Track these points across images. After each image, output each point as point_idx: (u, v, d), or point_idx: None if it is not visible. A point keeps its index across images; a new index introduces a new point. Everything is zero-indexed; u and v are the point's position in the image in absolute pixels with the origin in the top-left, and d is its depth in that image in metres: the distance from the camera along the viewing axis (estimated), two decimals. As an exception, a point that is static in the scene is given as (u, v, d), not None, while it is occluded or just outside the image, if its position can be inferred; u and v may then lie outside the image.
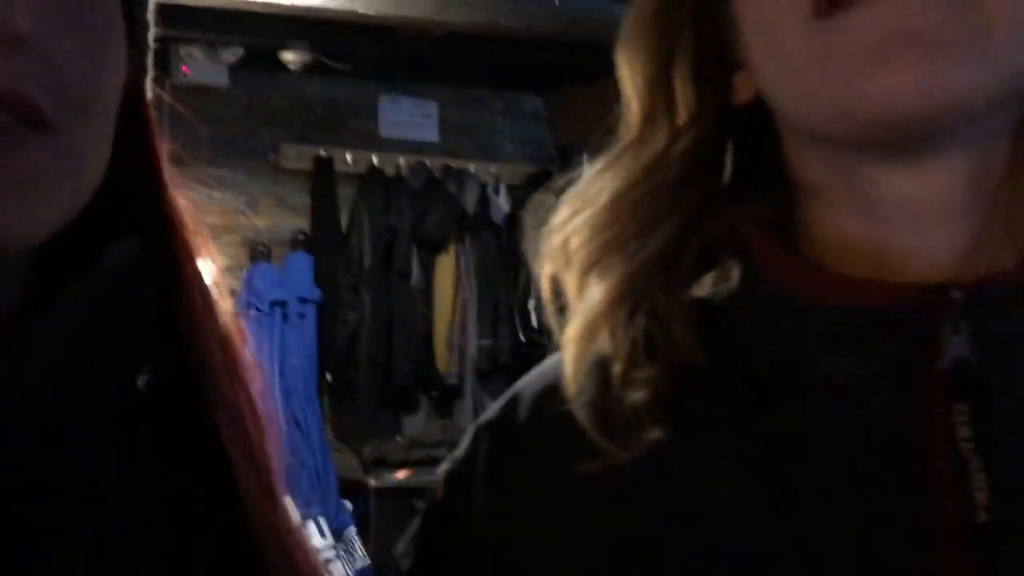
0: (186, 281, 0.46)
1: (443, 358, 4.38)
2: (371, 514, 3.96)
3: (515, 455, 0.50)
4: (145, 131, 0.46)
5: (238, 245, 4.11)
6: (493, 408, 0.54)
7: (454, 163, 4.56)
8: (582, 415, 0.46)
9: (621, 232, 0.48)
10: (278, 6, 2.98)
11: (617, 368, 0.46)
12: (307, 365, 4.04)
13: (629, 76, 0.51)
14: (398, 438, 4.16)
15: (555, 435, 0.48)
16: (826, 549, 0.41)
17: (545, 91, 5.00)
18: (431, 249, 4.41)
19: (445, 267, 4.44)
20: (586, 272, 0.49)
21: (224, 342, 0.47)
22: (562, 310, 0.51)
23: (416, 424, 4.43)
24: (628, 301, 0.46)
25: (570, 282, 0.50)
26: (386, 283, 4.29)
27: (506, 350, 4.37)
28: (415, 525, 0.54)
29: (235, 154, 4.15)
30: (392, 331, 4.26)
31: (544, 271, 0.51)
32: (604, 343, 0.47)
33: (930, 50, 0.39)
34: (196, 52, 3.75)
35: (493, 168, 4.67)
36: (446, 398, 4.45)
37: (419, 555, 0.53)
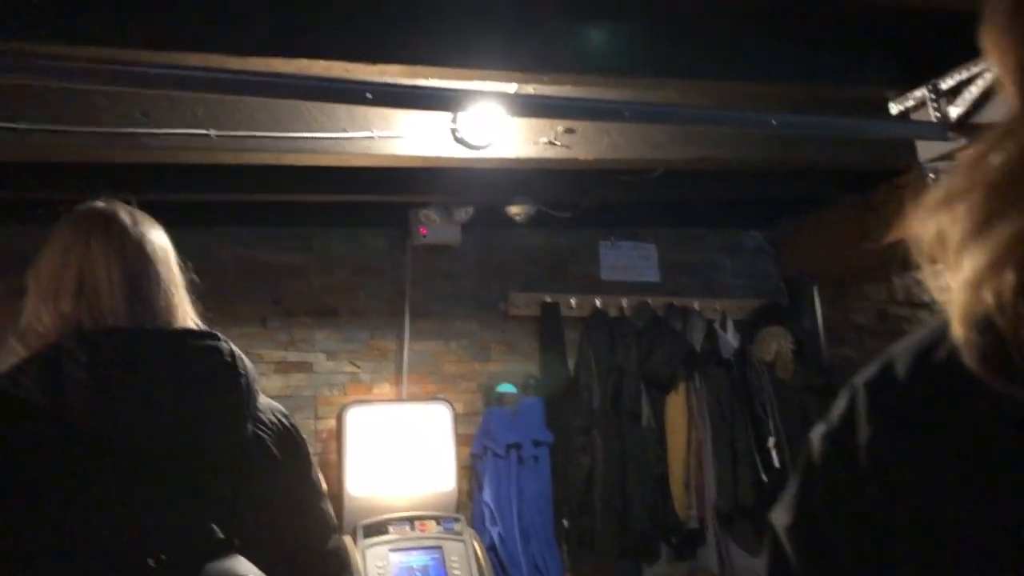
0: None
1: (680, 500, 4.23)
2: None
3: (899, 405, 0.54)
4: None
5: (474, 391, 4.29)
6: (867, 371, 0.58)
7: (677, 301, 4.57)
8: (974, 363, 0.49)
9: (1003, 203, 0.51)
10: (504, 160, 3.19)
11: (1010, 321, 0.49)
12: (544, 509, 4.04)
13: (999, 58, 0.55)
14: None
15: (942, 384, 0.52)
16: None
17: (766, 223, 4.95)
18: (660, 388, 4.36)
19: (676, 405, 4.36)
20: (967, 239, 0.52)
21: None
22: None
23: (657, 573, 4.26)
24: (1015, 259, 0.49)
25: (949, 250, 0.53)
26: (617, 424, 4.25)
27: (748, 491, 4.14)
28: (791, 486, 0.59)
29: (468, 305, 4.40)
30: (626, 474, 4.18)
31: (920, 242, 0.55)
32: (989, 299, 0.50)
33: None
34: (432, 214, 4.08)
35: (718, 304, 4.62)
36: (687, 543, 4.26)
37: (799, 510, 0.57)
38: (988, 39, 0.54)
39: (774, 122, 2.51)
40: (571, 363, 4.40)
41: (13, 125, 2.59)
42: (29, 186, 3.23)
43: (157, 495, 1.19)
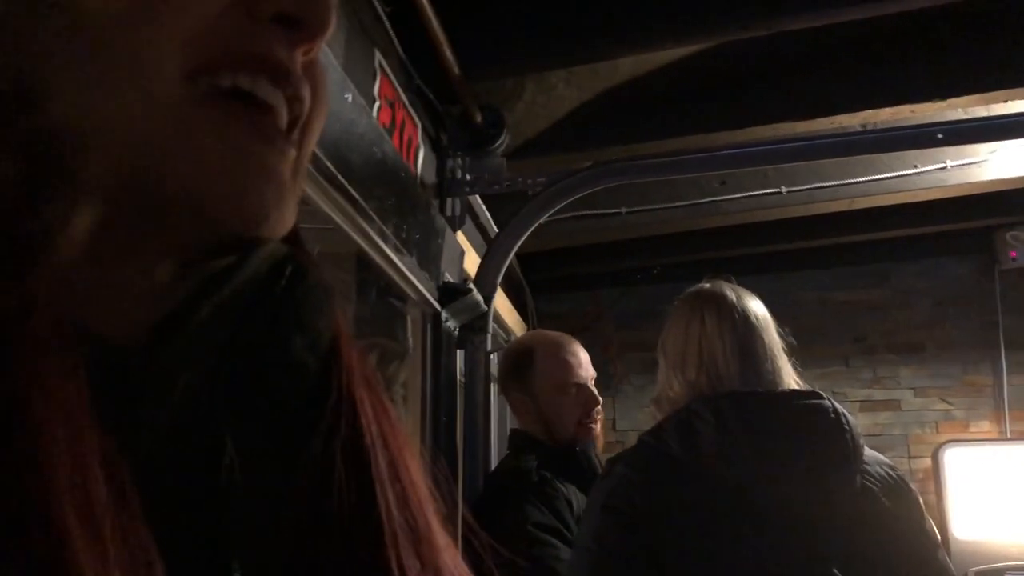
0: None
1: None
2: None
3: None
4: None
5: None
6: None
7: None
8: None
9: None
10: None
11: None
12: None
13: None
14: None
15: None
16: None
17: None
18: None
19: None
20: None
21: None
22: None
23: None
24: None
25: None
26: None
27: None
28: None
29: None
30: None
31: None
32: None
33: None
34: (1022, 234, 3.72)
35: None
36: None
37: None
38: None
39: None
40: None
41: (617, 211, 3.08)
42: (629, 256, 3.78)
43: (777, 544, 1.31)
